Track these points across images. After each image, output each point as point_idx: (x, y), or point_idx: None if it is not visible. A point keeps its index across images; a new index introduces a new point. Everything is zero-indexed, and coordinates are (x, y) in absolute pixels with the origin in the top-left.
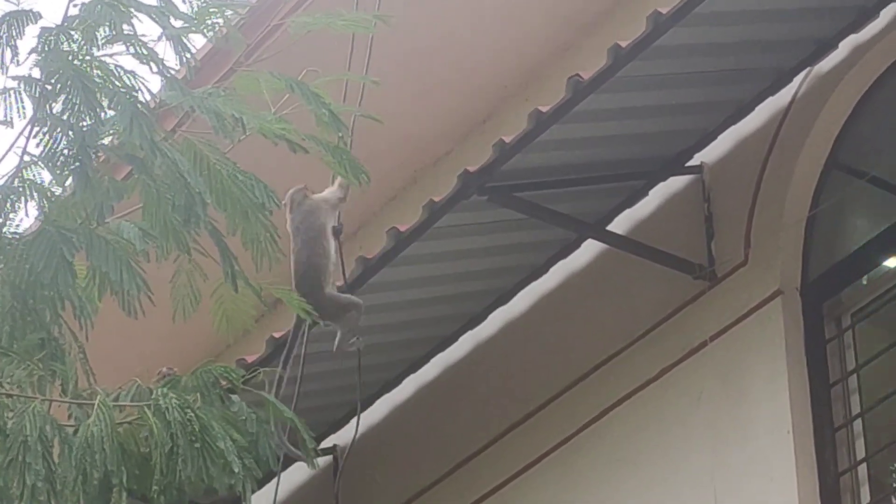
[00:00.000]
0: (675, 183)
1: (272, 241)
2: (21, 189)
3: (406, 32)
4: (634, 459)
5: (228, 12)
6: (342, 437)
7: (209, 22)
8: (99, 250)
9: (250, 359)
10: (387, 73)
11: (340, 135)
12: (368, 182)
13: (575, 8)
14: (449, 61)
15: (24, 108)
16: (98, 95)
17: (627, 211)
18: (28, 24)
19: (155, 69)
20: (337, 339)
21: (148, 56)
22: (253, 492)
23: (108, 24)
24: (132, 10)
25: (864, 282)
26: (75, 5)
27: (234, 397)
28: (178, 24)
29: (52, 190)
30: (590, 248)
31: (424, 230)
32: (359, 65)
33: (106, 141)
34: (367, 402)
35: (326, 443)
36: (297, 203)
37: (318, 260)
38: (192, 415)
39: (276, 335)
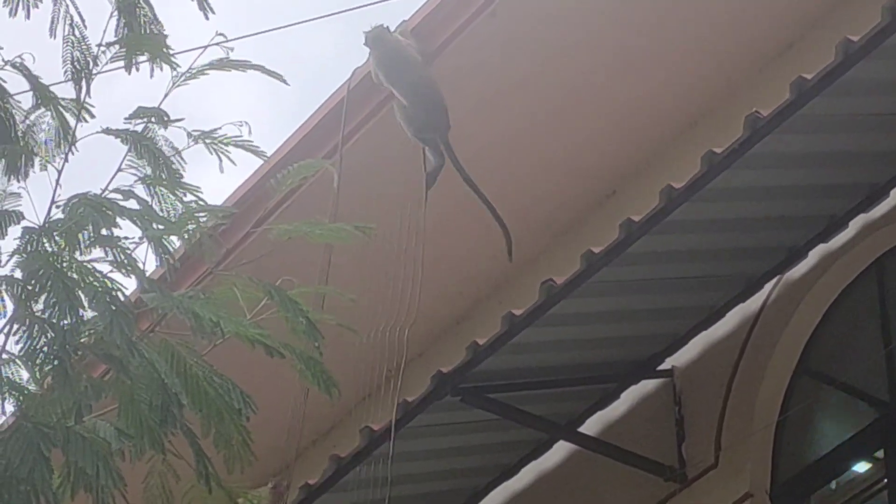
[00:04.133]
0: (647, 386)
1: (245, 444)
2: None
3: (376, 238)
4: None
5: (204, 218)
6: None
7: (190, 227)
8: (76, 445)
9: None
10: (359, 274)
11: (317, 345)
12: (339, 395)
13: (548, 216)
14: (424, 263)
15: (4, 306)
16: (78, 295)
17: (599, 413)
18: (10, 225)
19: (132, 275)
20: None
21: (127, 265)
22: None
23: (89, 226)
24: (114, 213)
25: (833, 486)
26: (58, 206)
27: None
28: (158, 227)
29: (30, 388)
30: (561, 449)
31: (398, 430)
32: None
33: (84, 339)
34: None
35: None
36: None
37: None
38: None
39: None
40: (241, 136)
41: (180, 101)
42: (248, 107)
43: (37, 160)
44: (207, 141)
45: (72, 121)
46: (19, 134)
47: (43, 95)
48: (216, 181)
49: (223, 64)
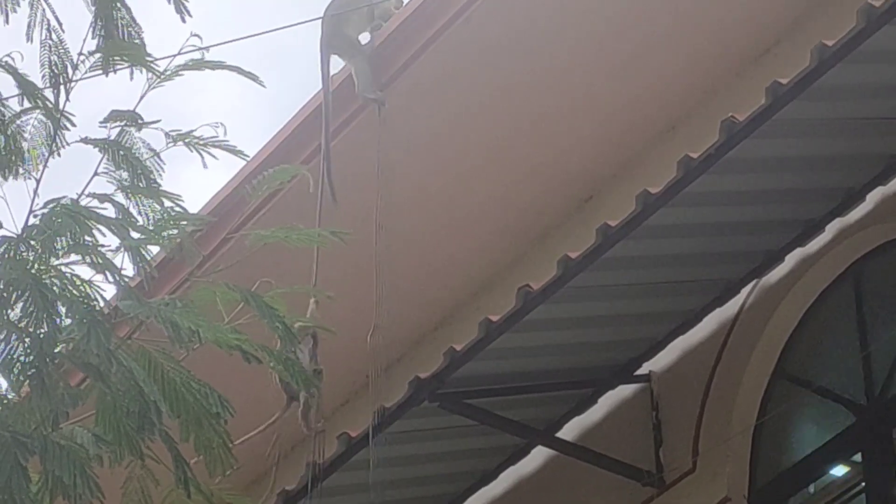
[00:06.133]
0: (624, 391)
1: (225, 448)
2: None
3: (358, 244)
4: None
5: (182, 223)
6: None
7: (166, 234)
8: (53, 455)
9: None
10: (339, 281)
11: (293, 350)
12: (319, 395)
13: (525, 221)
14: (401, 271)
15: None
16: (55, 303)
17: (577, 418)
18: None
19: (111, 279)
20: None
21: (104, 266)
22: None
23: (67, 234)
24: (91, 221)
25: (811, 490)
26: (35, 215)
27: None
28: (136, 235)
29: (7, 396)
30: (539, 455)
31: (375, 435)
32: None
33: (60, 348)
34: None
35: None
36: None
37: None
38: None
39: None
40: (217, 137)
41: (167, 106)
42: (238, 109)
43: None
44: (187, 140)
45: (51, 127)
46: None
47: (30, 94)
48: (201, 177)
49: (198, 64)
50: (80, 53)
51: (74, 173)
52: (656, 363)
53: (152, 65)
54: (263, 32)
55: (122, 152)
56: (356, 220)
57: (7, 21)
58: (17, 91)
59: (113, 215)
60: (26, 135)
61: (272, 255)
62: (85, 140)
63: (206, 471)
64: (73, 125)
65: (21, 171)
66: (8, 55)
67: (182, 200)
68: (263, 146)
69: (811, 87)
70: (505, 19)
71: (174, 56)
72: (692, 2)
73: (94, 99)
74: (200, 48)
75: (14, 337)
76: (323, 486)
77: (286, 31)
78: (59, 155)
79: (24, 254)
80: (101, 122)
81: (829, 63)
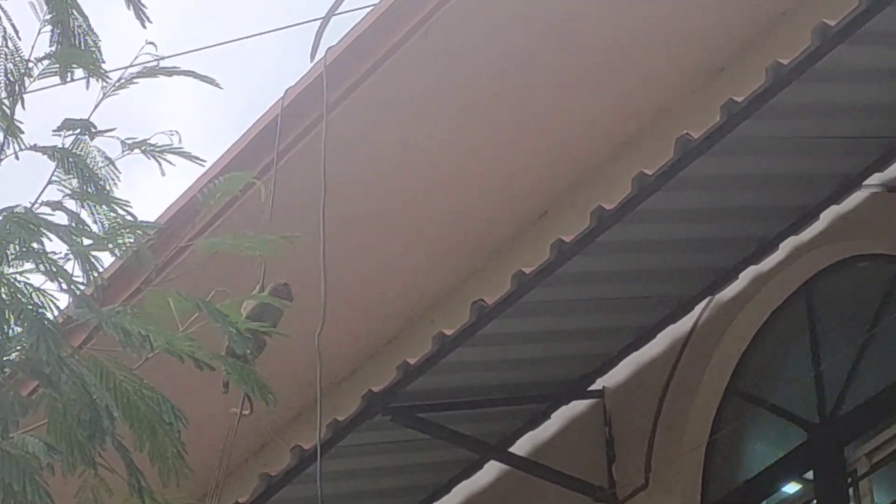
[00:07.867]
0: (577, 406)
1: (179, 457)
2: None
3: (314, 252)
4: None
5: (138, 232)
6: None
7: (119, 241)
8: (2, 463)
9: None
10: (294, 291)
11: (248, 352)
12: (275, 402)
13: (480, 236)
14: (355, 282)
15: None
16: (5, 312)
17: (530, 433)
18: None
19: (64, 286)
20: None
21: (57, 273)
22: None
23: (17, 241)
24: (42, 228)
25: None
26: None
27: None
28: (87, 242)
29: None
30: (492, 469)
31: (328, 449)
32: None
33: (12, 356)
34: None
35: None
36: None
37: None
38: None
39: None
40: (172, 145)
41: (131, 115)
42: (202, 121)
43: None
44: (143, 148)
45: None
46: None
47: None
48: (162, 185)
49: (153, 72)
50: (29, 60)
51: (29, 184)
52: (610, 379)
53: (105, 73)
54: (234, 40)
55: (71, 159)
56: (310, 234)
57: None
58: None
59: (65, 223)
60: None
61: (228, 266)
62: (34, 148)
63: (159, 481)
64: (22, 132)
65: None
66: None
67: (131, 206)
68: (220, 156)
69: (766, 106)
70: (462, 35)
71: (129, 66)
72: (647, 21)
73: (51, 111)
74: (157, 57)
75: None
76: (274, 499)
77: (252, 41)
78: (17, 158)
79: None
80: (54, 131)
81: (785, 81)
